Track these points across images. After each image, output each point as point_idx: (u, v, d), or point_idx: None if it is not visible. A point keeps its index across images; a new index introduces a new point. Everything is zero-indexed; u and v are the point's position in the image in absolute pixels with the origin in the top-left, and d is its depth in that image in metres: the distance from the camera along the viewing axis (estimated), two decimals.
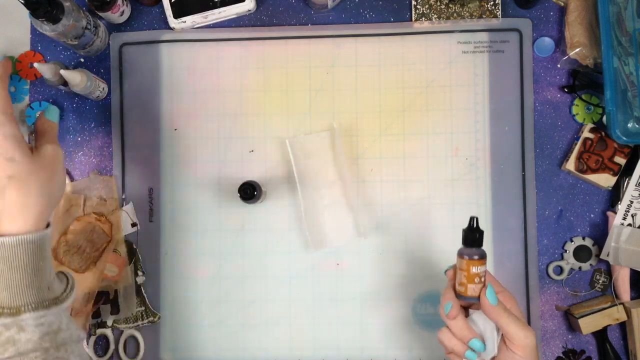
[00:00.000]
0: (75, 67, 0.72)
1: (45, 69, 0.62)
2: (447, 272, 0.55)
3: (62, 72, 0.62)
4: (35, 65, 0.62)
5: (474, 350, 0.51)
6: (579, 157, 0.69)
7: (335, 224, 0.70)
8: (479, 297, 0.51)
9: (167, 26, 0.71)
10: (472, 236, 0.52)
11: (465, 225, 0.53)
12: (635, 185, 0.68)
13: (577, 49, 0.67)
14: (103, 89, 0.70)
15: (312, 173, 0.70)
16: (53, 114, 0.55)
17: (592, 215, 0.70)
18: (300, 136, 0.71)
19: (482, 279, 0.51)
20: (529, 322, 0.69)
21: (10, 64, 0.54)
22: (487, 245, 0.70)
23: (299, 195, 0.69)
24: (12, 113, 0.50)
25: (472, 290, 0.51)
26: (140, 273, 0.71)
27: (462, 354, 0.52)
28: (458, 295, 0.52)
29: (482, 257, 0.51)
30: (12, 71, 0.56)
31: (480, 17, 0.71)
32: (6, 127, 0.48)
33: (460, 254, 0.52)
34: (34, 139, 0.71)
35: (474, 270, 0.50)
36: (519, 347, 0.50)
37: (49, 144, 0.53)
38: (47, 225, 0.50)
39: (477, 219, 0.52)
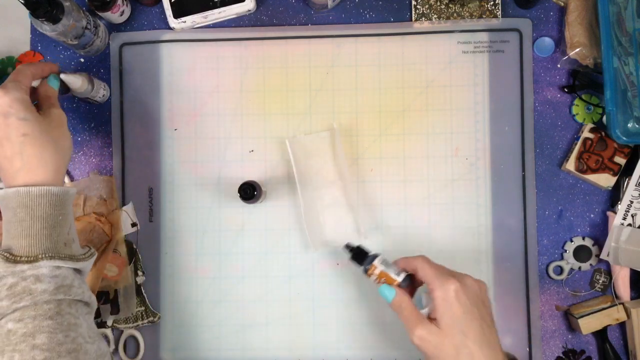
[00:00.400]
0: (75, 68, 0.72)
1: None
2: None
3: (62, 76, 0.62)
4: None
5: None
6: (579, 157, 0.69)
7: (335, 224, 0.70)
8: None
9: (167, 26, 0.71)
10: (354, 258, 0.62)
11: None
12: (635, 185, 0.68)
13: (577, 49, 0.67)
14: (103, 95, 0.70)
15: (312, 173, 0.70)
16: (54, 82, 0.59)
17: (592, 215, 0.70)
18: (300, 136, 0.71)
19: (380, 281, 0.59)
20: (528, 322, 0.69)
21: (56, 67, 0.60)
22: (488, 245, 0.70)
23: (299, 195, 0.69)
24: (27, 85, 0.55)
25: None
26: (140, 273, 0.70)
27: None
28: None
29: (365, 271, 0.61)
30: (55, 71, 0.61)
31: (480, 17, 0.71)
32: (16, 92, 0.53)
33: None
34: None
35: (371, 279, 0.60)
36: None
37: (54, 107, 0.57)
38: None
39: (348, 245, 0.64)
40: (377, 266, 0.59)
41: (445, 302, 0.52)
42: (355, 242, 0.63)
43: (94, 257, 0.56)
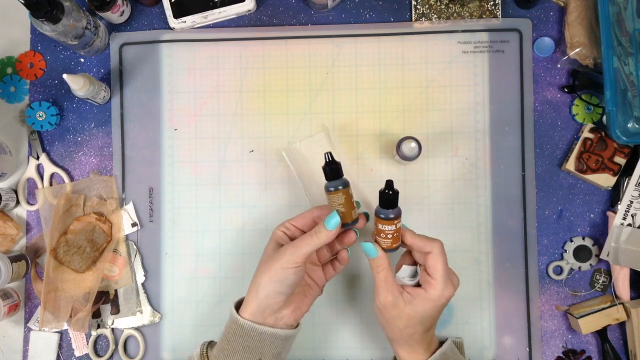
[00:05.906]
0: (75, 68, 0.72)
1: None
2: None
3: (64, 76, 0.62)
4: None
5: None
6: (579, 157, 0.69)
7: None
8: (384, 249, 0.58)
9: (167, 26, 0.71)
10: (383, 197, 0.56)
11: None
12: (635, 185, 0.68)
13: (577, 49, 0.67)
14: (104, 97, 0.70)
15: (313, 174, 0.70)
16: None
17: (592, 215, 0.70)
18: (296, 144, 0.70)
19: (390, 237, 0.56)
20: (528, 322, 0.69)
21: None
22: (488, 245, 0.70)
23: (306, 196, 0.69)
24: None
25: (380, 243, 0.58)
26: (140, 273, 0.71)
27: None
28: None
29: (388, 218, 0.55)
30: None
31: (480, 17, 0.71)
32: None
33: (375, 212, 0.57)
34: (34, 139, 0.72)
35: (379, 226, 0.56)
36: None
37: None
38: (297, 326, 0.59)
39: (392, 181, 0.56)
40: (398, 223, 0.56)
41: (434, 302, 0.56)
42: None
43: None
